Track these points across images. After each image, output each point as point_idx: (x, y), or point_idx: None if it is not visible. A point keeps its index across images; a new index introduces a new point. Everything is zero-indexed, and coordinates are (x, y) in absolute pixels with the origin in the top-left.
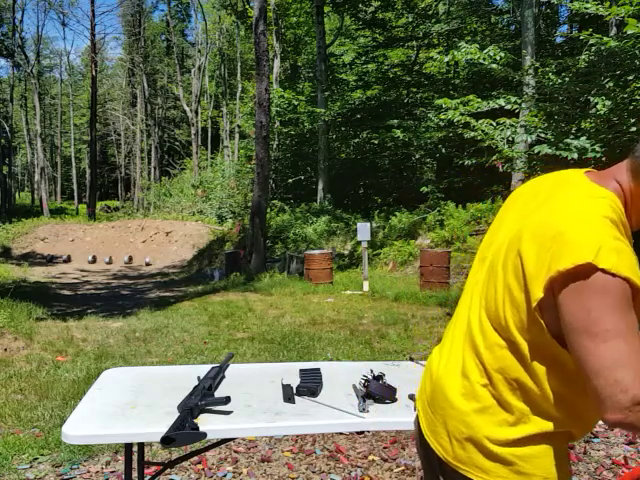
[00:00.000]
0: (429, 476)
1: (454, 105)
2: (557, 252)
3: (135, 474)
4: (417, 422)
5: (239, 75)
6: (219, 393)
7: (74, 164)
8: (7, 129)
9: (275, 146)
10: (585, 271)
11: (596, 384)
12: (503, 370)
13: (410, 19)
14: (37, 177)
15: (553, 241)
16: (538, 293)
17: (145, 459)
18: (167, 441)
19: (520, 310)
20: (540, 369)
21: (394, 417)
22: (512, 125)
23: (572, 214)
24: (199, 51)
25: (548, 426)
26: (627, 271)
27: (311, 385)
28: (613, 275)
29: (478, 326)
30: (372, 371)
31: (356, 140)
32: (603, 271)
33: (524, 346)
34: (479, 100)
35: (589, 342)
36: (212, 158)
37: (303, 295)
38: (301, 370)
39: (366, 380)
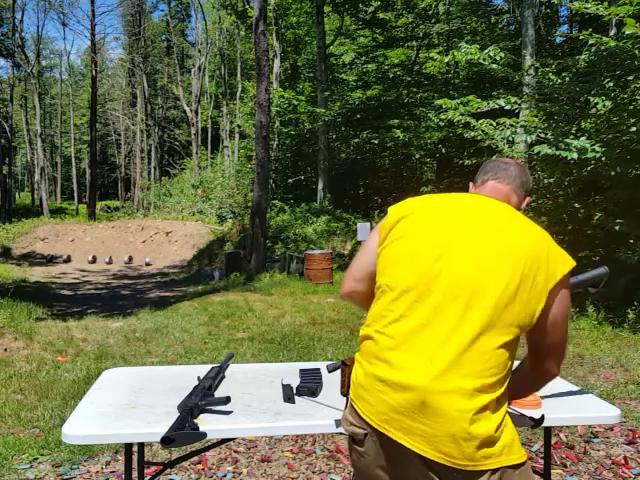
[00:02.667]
0: None
1: (454, 105)
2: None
3: (135, 474)
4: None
5: (239, 75)
6: (219, 393)
7: (74, 164)
8: (7, 129)
9: (275, 146)
10: None
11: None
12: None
13: (410, 19)
14: (37, 177)
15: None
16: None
17: (145, 459)
18: (167, 441)
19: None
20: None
21: None
22: (512, 125)
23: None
24: (199, 51)
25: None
26: None
27: (311, 385)
28: None
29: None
30: None
31: (356, 140)
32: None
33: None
34: (479, 100)
35: None
36: (212, 158)
37: (303, 295)
38: (301, 370)
39: None
